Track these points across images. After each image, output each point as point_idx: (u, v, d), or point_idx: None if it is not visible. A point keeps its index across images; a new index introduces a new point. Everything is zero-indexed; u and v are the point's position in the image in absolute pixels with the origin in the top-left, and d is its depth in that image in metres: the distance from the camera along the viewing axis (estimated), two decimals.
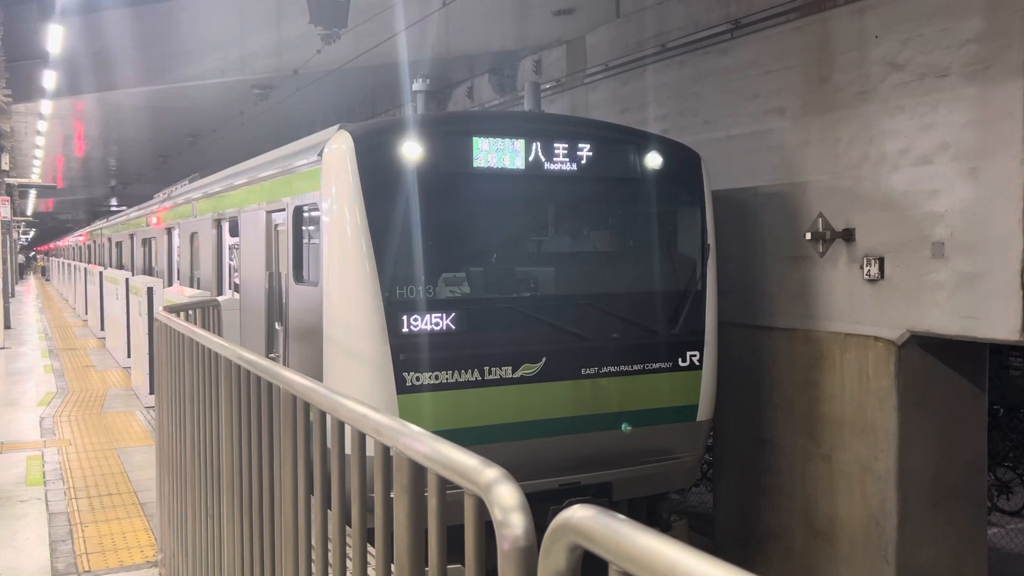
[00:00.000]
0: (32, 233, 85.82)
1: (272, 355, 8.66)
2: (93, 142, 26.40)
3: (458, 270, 7.59)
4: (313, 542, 2.58)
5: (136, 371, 13.43)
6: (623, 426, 7.47)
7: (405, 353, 6.80)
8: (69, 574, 5.83)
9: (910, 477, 7.83)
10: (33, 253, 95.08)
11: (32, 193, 40.86)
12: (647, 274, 8.17)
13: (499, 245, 7.99)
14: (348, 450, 2.28)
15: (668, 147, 8.17)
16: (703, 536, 10.13)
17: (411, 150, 6.99)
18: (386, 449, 2.02)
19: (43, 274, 71.11)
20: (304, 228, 8.07)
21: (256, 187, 9.75)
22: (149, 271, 19.68)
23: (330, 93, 17.22)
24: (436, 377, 6.89)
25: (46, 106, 17.61)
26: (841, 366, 8.30)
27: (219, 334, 5.52)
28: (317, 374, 6.93)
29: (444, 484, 1.76)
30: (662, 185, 8.04)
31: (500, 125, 7.66)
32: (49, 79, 14.85)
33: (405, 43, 12.35)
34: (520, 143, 7.40)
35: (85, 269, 26.46)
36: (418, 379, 6.83)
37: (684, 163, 8.20)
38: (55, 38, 12.95)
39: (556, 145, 7.52)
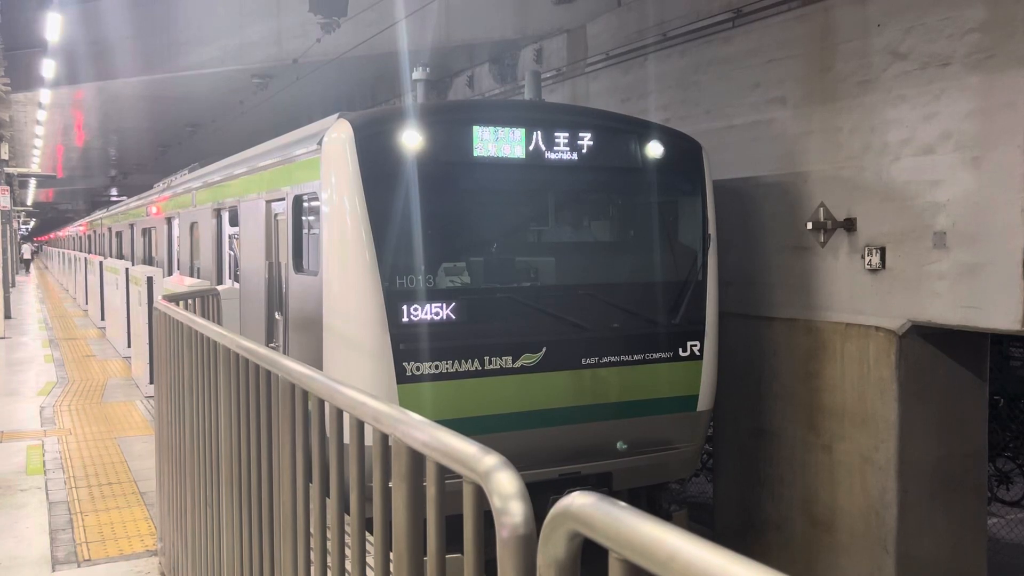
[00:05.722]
0: (32, 223, 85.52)
1: (272, 345, 8.65)
2: (92, 132, 26.35)
3: (458, 260, 7.57)
4: (312, 531, 2.57)
5: (136, 361, 13.43)
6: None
7: (405, 343, 6.79)
8: (69, 563, 5.84)
9: (910, 467, 7.83)
10: (37, 247, 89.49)
11: (32, 183, 40.84)
12: (648, 264, 8.15)
13: (499, 235, 7.97)
14: (347, 439, 2.26)
15: (669, 136, 8.14)
16: (703, 526, 10.14)
17: (411, 139, 6.97)
18: (384, 437, 2.01)
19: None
20: (304, 217, 8.05)
21: (256, 176, 9.72)
22: (149, 261, 19.67)
23: (330, 83, 17.17)
24: (436, 367, 6.88)
25: (45, 95, 17.57)
26: (842, 356, 8.29)
27: (218, 324, 5.51)
28: (317, 364, 6.92)
29: (443, 472, 1.75)
30: (663, 174, 8.01)
31: (500, 114, 7.63)
32: (48, 68, 14.81)
33: (405, 32, 12.30)
34: (520, 132, 7.37)
35: (85, 259, 26.44)
36: (418, 369, 6.82)
37: (685, 152, 8.17)
38: (53, 26, 12.91)
39: (557, 134, 7.49)
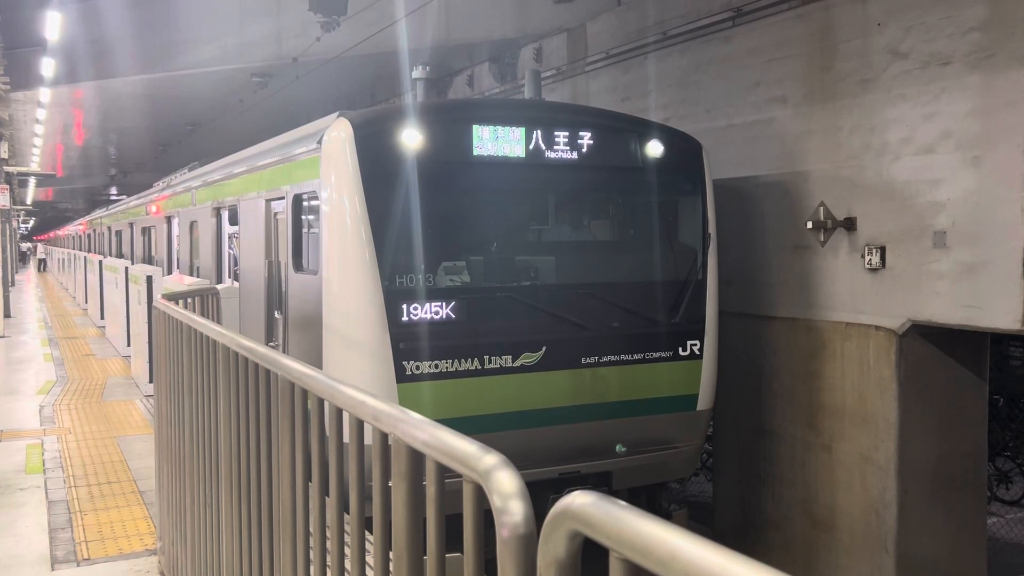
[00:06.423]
0: (32, 222, 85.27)
1: (271, 344, 8.64)
2: (92, 131, 26.34)
3: (458, 259, 7.57)
4: (311, 530, 2.57)
5: (136, 360, 13.42)
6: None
7: (405, 342, 6.78)
8: (68, 562, 5.83)
9: (910, 467, 7.83)
10: (31, 247, 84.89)
11: (31, 181, 40.83)
12: (648, 263, 8.15)
13: (499, 234, 7.97)
14: (347, 438, 2.26)
15: (669, 135, 8.14)
16: (703, 525, 10.14)
17: (411, 138, 6.96)
18: (384, 436, 2.00)
19: (41, 268, 57.98)
20: (303, 216, 8.04)
21: (255, 175, 9.72)
22: (149, 260, 19.66)
23: (330, 82, 17.16)
24: (436, 366, 6.88)
25: (45, 94, 17.56)
26: (842, 356, 8.29)
27: (218, 323, 5.50)
28: (317, 363, 6.92)
29: (443, 471, 1.74)
30: (663, 174, 8.01)
31: (500, 113, 7.63)
32: (47, 67, 14.81)
33: (405, 31, 12.30)
34: (520, 131, 7.36)
35: (85, 258, 26.44)
36: (418, 368, 6.82)
37: (685, 152, 8.16)
38: (53, 25, 12.90)
39: (556, 133, 7.49)
